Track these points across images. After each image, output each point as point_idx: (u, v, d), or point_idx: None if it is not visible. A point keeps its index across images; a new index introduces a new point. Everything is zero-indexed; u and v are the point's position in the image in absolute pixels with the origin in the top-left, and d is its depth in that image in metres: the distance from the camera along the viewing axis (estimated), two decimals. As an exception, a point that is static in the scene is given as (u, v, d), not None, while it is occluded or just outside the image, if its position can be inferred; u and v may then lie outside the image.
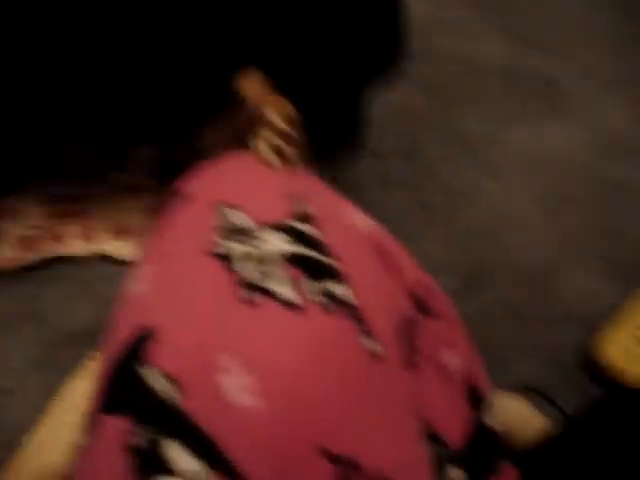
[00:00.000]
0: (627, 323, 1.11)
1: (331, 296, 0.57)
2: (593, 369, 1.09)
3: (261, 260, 0.57)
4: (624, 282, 1.21)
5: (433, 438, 0.62)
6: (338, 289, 0.57)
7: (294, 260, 0.58)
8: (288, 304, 0.55)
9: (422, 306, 0.65)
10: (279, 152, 0.69)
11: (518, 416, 0.88)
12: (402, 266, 0.66)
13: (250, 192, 0.64)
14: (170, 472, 0.50)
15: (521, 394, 0.96)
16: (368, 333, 0.57)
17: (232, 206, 0.62)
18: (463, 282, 1.18)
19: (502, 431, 0.68)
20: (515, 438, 0.83)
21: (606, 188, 1.36)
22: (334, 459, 0.52)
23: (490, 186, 1.32)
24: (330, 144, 1.11)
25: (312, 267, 0.58)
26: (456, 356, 0.66)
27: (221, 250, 0.59)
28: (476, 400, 0.66)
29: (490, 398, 0.68)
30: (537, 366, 1.11)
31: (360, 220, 0.66)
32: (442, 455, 0.62)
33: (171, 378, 0.53)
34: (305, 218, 0.61)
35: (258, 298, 0.55)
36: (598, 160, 1.39)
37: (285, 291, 0.56)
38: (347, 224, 0.64)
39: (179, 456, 0.51)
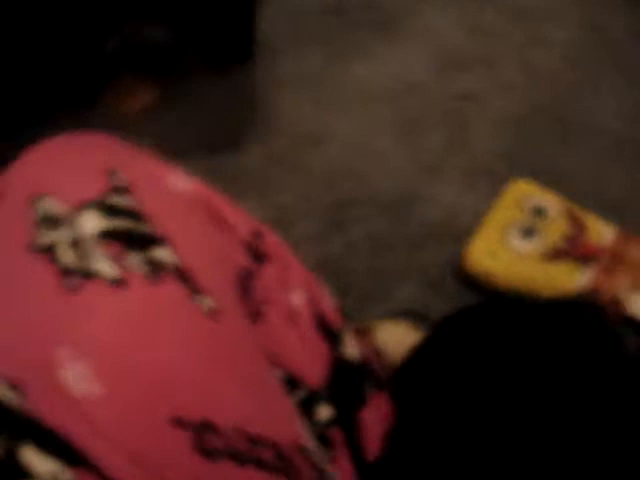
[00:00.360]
0: (491, 228, 1.14)
1: (155, 263, 0.56)
2: (466, 280, 1.12)
3: (78, 243, 0.56)
4: (486, 191, 1.24)
5: (293, 382, 0.62)
6: (161, 254, 0.56)
7: (111, 235, 0.57)
8: (110, 281, 0.54)
9: (257, 255, 0.65)
10: None
11: (398, 341, 0.90)
12: (233, 220, 0.65)
13: (64, 175, 0.62)
14: (29, 477, 0.49)
15: (399, 319, 0.97)
16: (199, 292, 0.56)
17: (46, 194, 0.59)
18: (325, 224, 1.19)
19: (365, 360, 0.68)
20: (396, 362, 0.84)
21: (453, 103, 1.38)
22: (187, 426, 0.51)
23: (337, 124, 1.32)
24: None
25: (131, 238, 0.57)
26: (297, 295, 0.66)
27: (41, 242, 0.57)
28: (331, 334, 0.67)
29: (346, 330, 0.68)
30: (415, 289, 1.13)
31: (183, 182, 0.65)
32: (306, 397, 0.63)
33: (12, 384, 0.52)
34: (121, 190, 0.60)
35: (81, 283, 0.54)
36: (440, 77, 1.41)
37: (106, 269, 0.54)
38: (169, 188, 0.63)
39: (36, 459, 0.50)
